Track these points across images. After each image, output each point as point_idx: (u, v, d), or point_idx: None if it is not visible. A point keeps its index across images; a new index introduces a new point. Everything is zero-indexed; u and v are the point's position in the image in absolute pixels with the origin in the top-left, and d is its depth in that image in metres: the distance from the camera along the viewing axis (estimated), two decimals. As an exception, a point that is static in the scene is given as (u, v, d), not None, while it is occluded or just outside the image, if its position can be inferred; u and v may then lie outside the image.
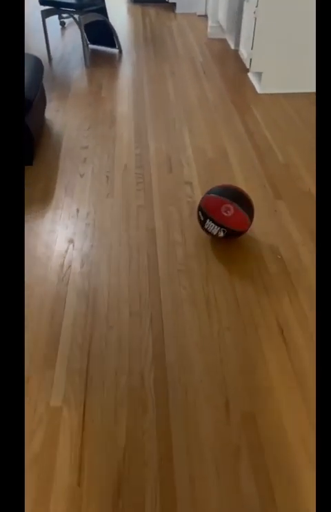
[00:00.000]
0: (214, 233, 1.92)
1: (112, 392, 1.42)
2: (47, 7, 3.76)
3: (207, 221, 1.91)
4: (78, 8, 3.61)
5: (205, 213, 1.92)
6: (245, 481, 1.21)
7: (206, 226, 1.93)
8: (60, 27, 4.78)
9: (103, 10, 3.81)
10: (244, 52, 3.33)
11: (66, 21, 4.83)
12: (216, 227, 1.89)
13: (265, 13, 2.97)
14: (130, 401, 1.39)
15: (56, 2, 3.67)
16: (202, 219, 1.94)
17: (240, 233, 1.95)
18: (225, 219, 1.88)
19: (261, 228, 2.07)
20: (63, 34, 4.63)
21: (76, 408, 1.37)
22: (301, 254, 1.93)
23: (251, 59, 3.18)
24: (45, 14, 3.79)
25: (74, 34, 4.56)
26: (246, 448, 1.28)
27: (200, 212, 1.95)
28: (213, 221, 1.89)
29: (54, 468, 1.24)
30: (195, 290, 1.77)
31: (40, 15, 3.83)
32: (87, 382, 1.45)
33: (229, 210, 1.88)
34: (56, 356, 1.53)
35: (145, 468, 1.24)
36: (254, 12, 2.99)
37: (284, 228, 2.08)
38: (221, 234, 1.91)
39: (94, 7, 3.73)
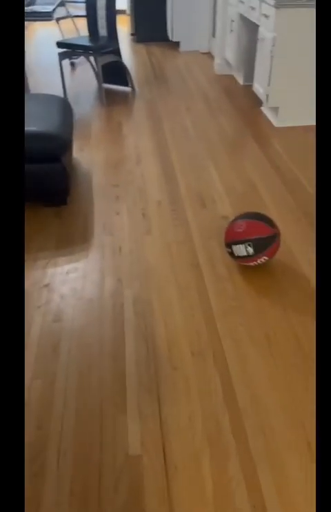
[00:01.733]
0: (245, 253, 1.93)
1: (189, 437, 1.40)
2: (64, 50, 3.90)
3: (232, 246, 1.96)
4: (96, 50, 3.74)
5: (228, 243, 1.99)
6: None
7: (235, 252, 1.97)
8: (70, 67, 4.94)
9: (117, 51, 3.95)
10: (260, 88, 3.45)
11: (75, 61, 5.00)
12: (241, 246, 1.93)
13: (281, 52, 3.10)
14: (210, 446, 1.37)
15: (74, 45, 3.81)
16: (230, 250, 1.99)
17: (267, 240, 1.93)
18: (242, 233, 1.93)
19: (306, 260, 2.10)
20: (72, 74, 4.78)
21: (156, 456, 1.35)
22: (349, 286, 1.95)
23: (268, 95, 3.29)
24: (62, 56, 3.92)
25: (84, 74, 4.71)
26: (338, 492, 1.25)
27: (226, 248, 2.02)
28: (235, 243, 1.94)
29: (146, 520, 1.21)
30: (252, 326, 1.77)
31: (56, 57, 3.97)
32: (163, 427, 1.43)
33: (241, 225, 1.95)
34: (126, 400, 1.51)
35: (239, 517, 1.21)
36: (271, 51, 3.12)
37: (327, 260, 2.10)
38: (251, 250, 1.92)
39: (110, 49, 3.87)
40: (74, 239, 2.30)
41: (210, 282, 2.00)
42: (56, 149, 2.38)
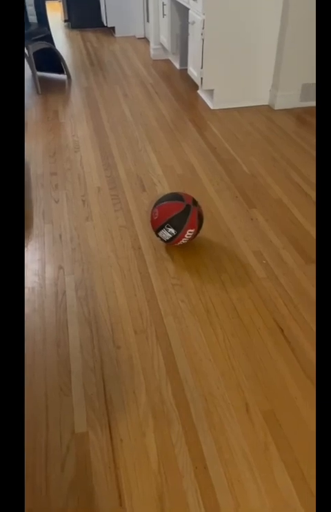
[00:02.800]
0: (170, 235, 2.00)
1: (134, 411, 1.44)
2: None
3: (158, 234, 2.05)
4: (27, 37, 3.66)
5: (155, 232, 2.06)
6: (279, 476, 1.27)
7: (162, 237, 2.04)
8: None
9: (49, 38, 3.88)
10: (194, 72, 3.48)
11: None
12: (163, 231, 2.01)
13: (211, 34, 3.14)
14: (154, 417, 1.42)
15: (2, 33, 3.70)
16: (159, 238, 2.07)
17: (182, 215, 1.97)
18: (159, 219, 2.00)
19: (242, 236, 2.17)
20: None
21: (102, 431, 1.39)
22: (284, 258, 2.04)
23: (202, 78, 3.33)
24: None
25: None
26: (274, 445, 1.33)
27: (156, 237, 2.10)
28: (158, 230, 2.02)
29: (93, 493, 1.24)
30: (192, 302, 1.83)
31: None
32: (108, 404, 1.46)
33: (155, 212, 2.02)
34: (70, 383, 1.53)
35: (183, 479, 1.27)
36: (201, 34, 3.15)
37: (263, 234, 2.18)
38: (172, 230, 1.98)
39: (41, 35, 3.79)
40: (13, 229, 2.27)
41: (151, 263, 2.03)
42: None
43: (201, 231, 2.18)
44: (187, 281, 1.93)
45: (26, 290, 1.90)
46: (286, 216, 2.31)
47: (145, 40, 5.28)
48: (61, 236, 2.22)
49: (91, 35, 5.57)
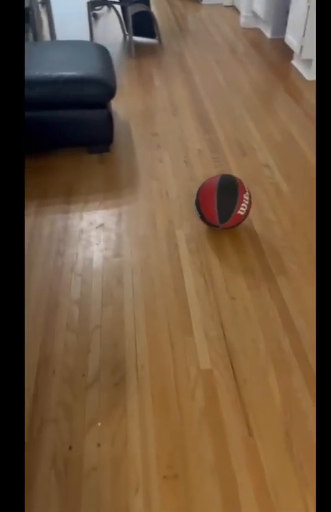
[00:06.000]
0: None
1: (254, 356, 1.52)
2: (92, -1, 3.82)
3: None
4: (126, -1, 3.67)
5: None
6: None
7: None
8: (92, 19, 4.82)
9: (147, 1, 3.87)
10: (293, 40, 3.41)
11: (98, 13, 4.88)
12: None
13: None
14: (274, 364, 1.49)
15: (103, -7, 3.72)
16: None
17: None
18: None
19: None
20: (95, 25, 4.67)
21: (226, 370, 1.48)
22: None
23: (302, 46, 3.26)
24: (91, 6, 3.83)
25: (107, 25, 4.61)
26: None
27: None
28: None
29: (223, 422, 1.34)
30: (303, 264, 1.87)
31: (79, 7, 3.88)
32: (228, 347, 1.55)
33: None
34: (191, 326, 1.62)
35: (308, 420, 1.34)
36: (308, 0, 3.07)
37: None
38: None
39: (139, -2, 3.79)
40: (120, 183, 2.36)
41: (257, 224, 2.08)
42: (103, 95, 2.40)
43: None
44: (294, 243, 1.97)
45: (140, 239, 1.99)
46: None
47: (233, 8, 5.16)
48: (167, 193, 2.28)
49: (177, 1, 5.49)
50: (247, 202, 1.95)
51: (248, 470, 1.23)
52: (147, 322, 1.63)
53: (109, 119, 2.47)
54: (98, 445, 1.28)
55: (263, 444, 1.29)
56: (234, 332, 1.60)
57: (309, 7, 3.10)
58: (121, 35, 4.39)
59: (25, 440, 1.29)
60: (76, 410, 1.36)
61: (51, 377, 1.45)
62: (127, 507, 1.16)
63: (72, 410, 1.36)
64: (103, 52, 2.76)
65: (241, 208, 1.93)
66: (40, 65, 2.43)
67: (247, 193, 1.96)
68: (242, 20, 4.57)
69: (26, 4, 3.48)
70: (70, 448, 1.27)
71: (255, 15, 4.43)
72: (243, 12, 4.54)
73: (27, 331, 1.60)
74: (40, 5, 4.05)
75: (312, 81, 3.41)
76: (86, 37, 4.11)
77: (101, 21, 4.77)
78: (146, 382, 1.44)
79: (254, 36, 4.32)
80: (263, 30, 4.42)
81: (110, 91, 2.42)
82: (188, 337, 1.58)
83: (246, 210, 1.96)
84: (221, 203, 1.92)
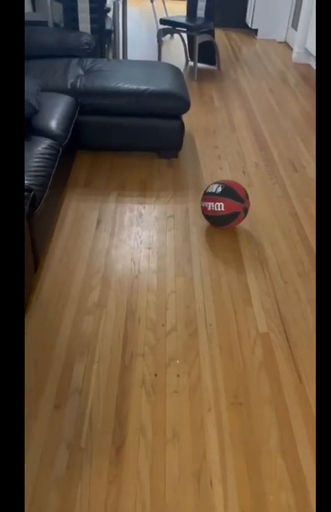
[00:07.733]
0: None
1: (304, 328, 1.82)
2: (165, 27, 4.29)
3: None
4: (195, 29, 4.13)
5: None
6: None
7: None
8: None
9: (212, 32, 4.33)
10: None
11: (164, 39, 5.38)
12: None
13: None
14: (319, 333, 1.79)
15: (176, 23, 4.19)
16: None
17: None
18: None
19: None
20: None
21: (280, 334, 1.78)
22: None
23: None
24: (163, 33, 4.30)
25: (171, 50, 5.09)
26: None
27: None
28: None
29: (278, 372, 1.63)
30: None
31: (146, 32, 4.35)
32: (282, 318, 1.85)
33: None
34: (250, 299, 1.93)
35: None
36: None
37: None
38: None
39: (206, 29, 4.24)
40: (187, 184, 2.72)
41: (308, 227, 2.40)
42: (180, 108, 2.79)
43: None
44: (338, 245, 2.28)
45: (205, 230, 2.32)
46: None
47: (285, 44, 5.63)
48: (228, 195, 2.63)
49: (233, 34, 6.00)
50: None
51: (299, 404, 1.52)
52: (214, 293, 1.95)
53: (181, 129, 2.85)
54: (178, 375, 1.58)
55: (310, 390, 1.57)
56: (286, 308, 1.90)
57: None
58: (184, 59, 4.86)
59: (118, 367, 1.60)
60: (159, 349, 1.67)
61: (137, 324, 1.77)
62: (202, 420, 1.45)
63: (155, 349, 1.67)
64: (177, 72, 3.17)
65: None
66: (127, 79, 2.84)
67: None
68: (294, 55, 5.02)
69: (109, 26, 3.95)
70: (156, 375, 1.58)
71: (307, 51, 4.88)
72: (296, 49, 4.99)
73: (116, 289, 1.93)
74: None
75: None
76: (153, 59, 4.57)
77: (164, 46, 5.26)
78: (214, 336, 1.75)
79: (305, 71, 4.75)
80: (313, 65, 4.85)
81: (187, 105, 2.81)
82: (248, 307, 1.89)
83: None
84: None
